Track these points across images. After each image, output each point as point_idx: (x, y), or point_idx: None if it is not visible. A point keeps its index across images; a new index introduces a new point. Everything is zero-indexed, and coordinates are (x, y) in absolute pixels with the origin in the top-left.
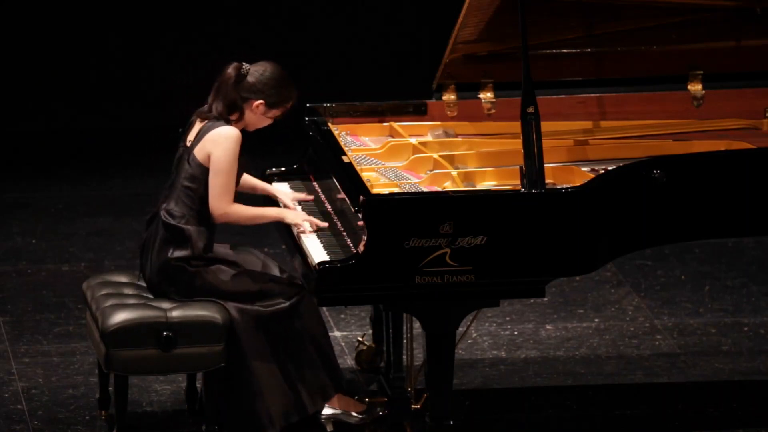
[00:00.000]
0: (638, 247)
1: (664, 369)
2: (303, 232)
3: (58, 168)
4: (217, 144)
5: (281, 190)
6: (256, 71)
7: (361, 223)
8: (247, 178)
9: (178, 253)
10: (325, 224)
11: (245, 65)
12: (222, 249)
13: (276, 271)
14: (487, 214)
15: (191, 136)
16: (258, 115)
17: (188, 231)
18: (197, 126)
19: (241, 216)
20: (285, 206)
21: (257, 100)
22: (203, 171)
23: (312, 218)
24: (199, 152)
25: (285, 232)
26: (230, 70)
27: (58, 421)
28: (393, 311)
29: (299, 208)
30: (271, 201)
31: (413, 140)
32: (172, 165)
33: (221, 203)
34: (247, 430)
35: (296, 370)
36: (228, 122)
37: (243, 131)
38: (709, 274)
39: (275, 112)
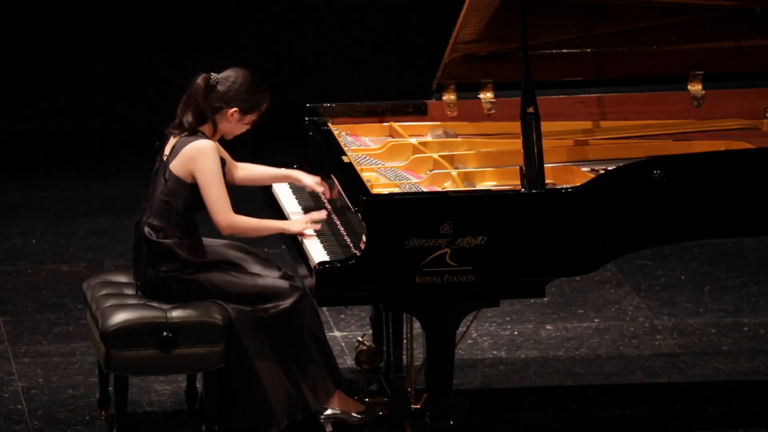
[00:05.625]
0: (638, 247)
1: (664, 369)
2: (307, 236)
3: (58, 168)
4: (196, 160)
5: (301, 176)
6: (226, 80)
7: (360, 222)
8: (264, 170)
9: (167, 267)
10: (325, 215)
11: (213, 75)
12: (220, 249)
13: (275, 271)
14: (487, 214)
15: (167, 150)
16: (234, 123)
17: (169, 245)
18: (172, 140)
19: (246, 227)
20: (307, 186)
21: (231, 108)
22: (181, 185)
23: (312, 215)
24: (176, 167)
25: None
26: (199, 81)
27: (58, 421)
28: (393, 311)
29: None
30: (273, 198)
31: (413, 140)
32: (150, 178)
33: (223, 215)
34: (247, 430)
35: (298, 368)
36: (201, 135)
37: (222, 140)
38: (709, 274)
39: (251, 117)
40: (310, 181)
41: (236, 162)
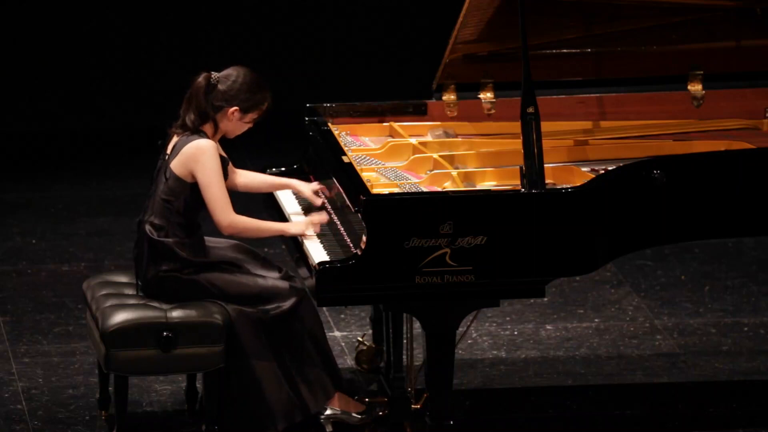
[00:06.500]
0: (638, 247)
1: (664, 369)
2: (309, 236)
3: (58, 168)
4: (196, 160)
5: (300, 186)
6: (227, 78)
7: (360, 222)
8: (261, 177)
9: (167, 266)
10: (326, 218)
11: (214, 74)
12: (221, 249)
13: (276, 272)
14: (487, 214)
15: (169, 149)
16: (235, 121)
17: (170, 244)
18: (174, 139)
19: (247, 227)
20: (306, 196)
21: (231, 107)
22: (181, 185)
23: (313, 218)
24: (176, 167)
25: None
26: (200, 80)
27: (58, 421)
28: (393, 311)
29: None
30: (274, 200)
31: (413, 140)
32: (153, 177)
33: (223, 214)
34: (247, 431)
35: (297, 370)
36: (203, 134)
37: (224, 138)
38: (709, 274)
39: (252, 116)
40: (307, 192)
41: (236, 168)
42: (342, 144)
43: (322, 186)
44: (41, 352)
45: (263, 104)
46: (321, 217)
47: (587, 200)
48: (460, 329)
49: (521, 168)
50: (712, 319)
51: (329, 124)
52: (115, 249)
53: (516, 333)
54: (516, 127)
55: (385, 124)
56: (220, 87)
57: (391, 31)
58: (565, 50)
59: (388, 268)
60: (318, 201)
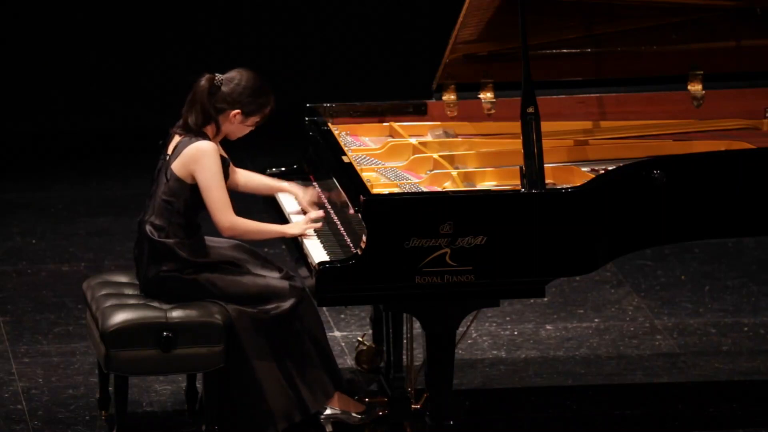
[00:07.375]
0: (638, 247)
1: (664, 369)
2: (307, 236)
3: (58, 168)
4: (197, 162)
5: (298, 192)
6: (230, 81)
7: (360, 222)
8: (260, 179)
9: (167, 267)
10: (323, 214)
11: (218, 76)
12: (221, 249)
13: (276, 272)
14: (487, 214)
15: (170, 150)
16: (237, 124)
17: (170, 245)
18: (175, 140)
19: (248, 229)
20: (302, 205)
21: (233, 110)
22: (182, 186)
23: (311, 215)
24: (177, 168)
25: None
26: (203, 81)
27: (58, 421)
28: (393, 311)
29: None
30: (273, 200)
31: (413, 140)
32: (153, 176)
33: (224, 216)
34: (247, 431)
35: (297, 370)
36: (204, 135)
37: (225, 139)
38: (709, 274)
39: (254, 120)
40: (303, 200)
41: (236, 168)
42: (342, 144)
43: (319, 192)
44: (41, 352)
45: (266, 108)
46: (318, 214)
47: (587, 200)
48: (460, 329)
49: (521, 168)
50: (712, 319)
51: (329, 124)
52: (115, 249)
53: (516, 333)
54: (516, 127)
55: (385, 124)
56: (224, 89)
57: (391, 31)
58: (565, 50)
59: (388, 268)
60: (312, 213)
